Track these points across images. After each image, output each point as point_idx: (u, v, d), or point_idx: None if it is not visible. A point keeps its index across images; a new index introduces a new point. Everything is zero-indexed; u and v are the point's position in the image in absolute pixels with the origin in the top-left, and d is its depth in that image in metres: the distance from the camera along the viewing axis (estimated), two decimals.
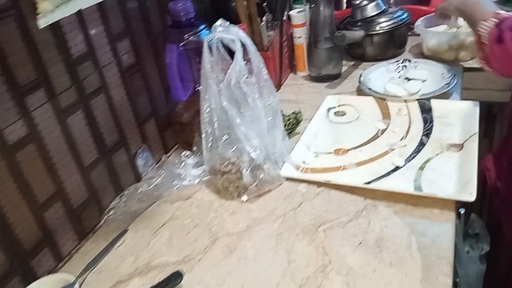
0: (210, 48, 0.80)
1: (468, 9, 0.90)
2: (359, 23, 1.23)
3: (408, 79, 1.11)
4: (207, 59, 0.79)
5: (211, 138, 0.81)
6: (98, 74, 0.77)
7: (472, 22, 0.89)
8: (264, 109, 0.82)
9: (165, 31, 0.90)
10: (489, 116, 1.27)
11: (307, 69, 1.23)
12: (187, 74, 0.90)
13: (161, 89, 0.93)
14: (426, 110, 0.96)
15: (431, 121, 0.93)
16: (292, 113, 0.98)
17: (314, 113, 1.01)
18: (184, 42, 0.87)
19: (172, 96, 0.92)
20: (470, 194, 0.68)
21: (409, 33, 1.30)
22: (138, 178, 0.88)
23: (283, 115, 0.98)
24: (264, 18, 1.15)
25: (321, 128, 0.97)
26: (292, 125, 0.96)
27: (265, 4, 1.13)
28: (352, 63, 1.28)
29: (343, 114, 1.02)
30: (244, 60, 0.82)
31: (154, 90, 0.92)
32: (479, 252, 0.99)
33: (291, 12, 1.18)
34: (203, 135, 0.81)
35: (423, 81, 1.08)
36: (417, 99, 0.97)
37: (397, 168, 0.81)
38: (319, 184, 0.78)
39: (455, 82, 1.00)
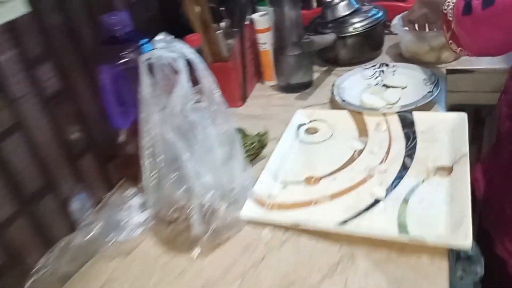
0: (150, 68, 0.67)
1: None
2: (330, 24, 1.11)
3: (387, 87, 0.99)
4: (145, 81, 0.66)
5: (156, 177, 0.68)
6: (10, 109, 0.63)
7: (436, 6, 0.83)
8: (218, 138, 0.69)
9: (98, 49, 0.76)
10: (477, 120, 1.17)
11: (275, 78, 1.10)
12: (128, 97, 0.76)
13: (99, 117, 0.79)
14: (407, 125, 0.84)
15: (414, 137, 0.81)
16: (256, 134, 0.85)
17: (283, 130, 0.88)
18: (120, 61, 0.73)
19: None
20: (465, 238, 0.56)
21: (386, 32, 1.18)
22: (73, 227, 0.74)
23: (246, 135, 0.86)
24: (222, 25, 1.02)
25: (290, 150, 0.84)
26: (256, 149, 0.83)
27: (222, 8, 0.99)
28: (325, 68, 1.16)
29: (315, 131, 0.90)
30: (194, 81, 0.70)
31: (90, 118, 0.78)
32: (473, 277, 0.88)
33: (253, 16, 1.05)
34: (145, 173, 0.68)
35: (403, 88, 0.97)
36: (397, 112, 0.85)
37: (377, 201, 0.69)
38: (286, 228, 0.66)
39: (438, 90, 0.89)
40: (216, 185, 0.66)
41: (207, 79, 0.69)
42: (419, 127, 0.83)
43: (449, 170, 0.71)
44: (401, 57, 1.11)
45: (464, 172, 0.68)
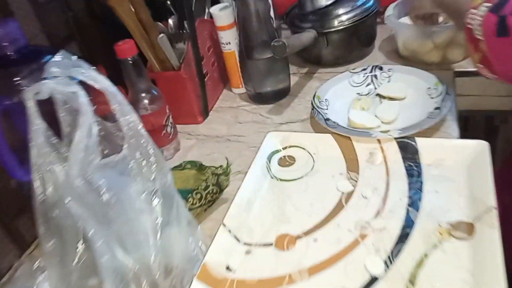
0: (46, 105, 0.46)
1: None
2: (310, 16, 0.89)
3: (381, 97, 0.79)
4: (35, 125, 0.45)
5: (58, 259, 0.48)
6: None
7: (457, 14, 0.63)
8: (147, 201, 0.49)
9: None
10: (489, 128, 0.97)
11: (243, 85, 0.89)
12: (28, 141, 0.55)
13: None
14: (410, 155, 0.64)
15: (419, 174, 0.61)
16: (213, 173, 0.64)
17: (251, 157, 0.68)
18: (11, 91, 0.52)
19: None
20: None
21: (378, 20, 0.97)
22: None
23: (202, 169, 0.66)
24: (170, 22, 0.80)
25: (259, 192, 0.65)
26: (212, 195, 0.63)
27: (167, 1, 0.77)
28: (305, 70, 0.95)
29: (290, 163, 0.70)
30: (115, 118, 0.49)
31: None
32: None
33: (212, 10, 0.83)
34: (44, 252, 0.48)
35: (401, 99, 0.77)
36: (396, 138, 0.66)
37: (374, 279, 0.50)
38: None
39: (449, 105, 0.69)
40: (142, 271, 0.46)
41: (129, 115, 0.48)
42: (425, 159, 0.63)
43: (470, 228, 0.52)
44: (397, 56, 0.90)
45: (491, 238, 0.49)
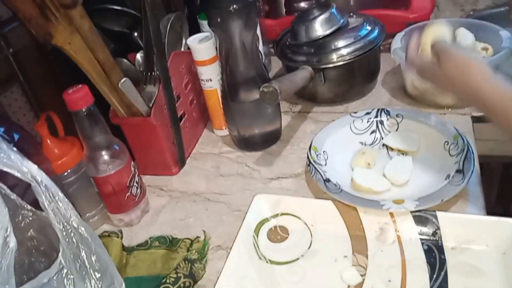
0: None
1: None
2: (304, 48, 0.77)
3: (388, 148, 0.67)
4: None
5: None
6: None
7: (471, 99, 0.50)
8: None
9: None
10: (505, 176, 0.86)
11: (226, 127, 0.77)
12: None
13: None
14: (429, 234, 0.52)
15: (443, 264, 0.49)
16: (186, 259, 0.51)
17: (235, 227, 0.56)
18: None
19: None
20: None
21: (381, 48, 0.85)
22: None
23: (173, 248, 0.54)
24: (138, 57, 0.67)
25: (243, 283, 0.52)
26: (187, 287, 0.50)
27: (133, 33, 0.64)
28: (298, 108, 0.82)
29: (283, 237, 0.57)
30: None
31: None
32: None
33: (189, 42, 0.70)
34: None
35: (413, 153, 0.65)
36: (412, 212, 0.54)
37: None
38: None
39: (472, 167, 0.57)
40: None
41: (68, 215, 0.35)
42: (448, 241, 0.51)
43: None
44: (404, 93, 0.79)
45: None
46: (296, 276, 0.52)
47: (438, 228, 0.52)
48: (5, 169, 0.33)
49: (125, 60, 0.65)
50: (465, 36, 0.74)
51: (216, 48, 0.70)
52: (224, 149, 0.77)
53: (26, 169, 0.34)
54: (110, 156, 0.59)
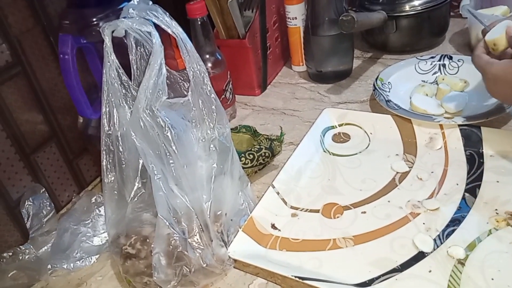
0: (120, 43, 0.49)
1: None
2: (381, 0, 0.87)
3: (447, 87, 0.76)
4: (108, 61, 0.48)
5: (116, 191, 0.50)
6: None
7: None
8: (204, 148, 0.50)
9: (62, 12, 0.58)
10: None
11: (304, 63, 0.89)
12: (99, 79, 0.58)
13: (64, 102, 0.62)
14: (473, 144, 0.62)
15: (481, 164, 0.59)
16: (267, 138, 0.65)
17: (305, 132, 0.68)
18: (87, 31, 0.55)
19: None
20: None
21: (452, 14, 0.93)
22: (26, 235, 0.59)
23: (257, 136, 0.67)
24: None
25: (310, 163, 0.65)
26: (264, 158, 0.63)
27: None
28: (369, 54, 0.93)
29: (345, 140, 0.69)
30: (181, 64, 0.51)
31: (51, 103, 0.61)
32: None
33: None
34: (104, 183, 0.50)
35: (468, 91, 0.74)
36: (460, 125, 0.63)
37: (421, 255, 0.48)
38: (285, 279, 0.47)
39: None
40: (195, 211, 0.48)
41: (196, 64, 0.50)
42: (488, 150, 0.60)
43: None
44: (469, 50, 0.87)
45: None
46: (354, 164, 0.64)
47: (481, 140, 0.61)
48: (163, 26, 0.48)
49: None
50: None
51: None
52: (300, 81, 0.89)
53: (173, 26, 0.49)
54: (213, 63, 0.74)
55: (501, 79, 0.53)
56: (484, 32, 0.58)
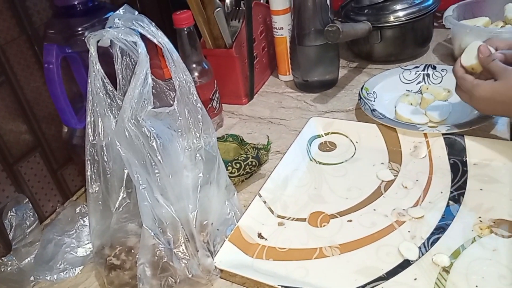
0: (106, 53, 0.49)
1: None
2: (365, 10, 0.89)
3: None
4: (93, 71, 0.47)
5: (101, 202, 0.50)
6: None
7: None
8: (190, 157, 0.50)
9: (48, 22, 0.58)
10: None
11: (291, 72, 0.90)
12: (84, 89, 0.58)
13: (49, 111, 0.62)
14: (456, 153, 0.63)
15: (464, 172, 0.60)
16: (254, 147, 0.65)
17: (291, 141, 0.68)
18: (72, 40, 0.55)
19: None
20: None
21: (436, 24, 0.95)
22: (9, 246, 0.58)
23: (243, 145, 0.67)
24: (227, 0, 0.82)
25: (296, 173, 0.65)
26: (251, 167, 0.63)
27: None
28: (355, 64, 0.94)
29: (331, 148, 0.70)
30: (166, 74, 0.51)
31: (38, 110, 0.61)
32: None
33: None
34: (89, 193, 0.50)
35: (450, 98, 0.75)
36: (443, 134, 0.64)
37: (406, 263, 0.49)
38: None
39: None
40: (181, 221, 0.47)
41: (182, 74, 0.50)
42: (472, 159, 0.61)
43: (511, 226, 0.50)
44: (452, 60, 0.88)
45: None
46: (340, 172, 0.64)
47: (464, 148, 0.62)
48: (149, 36, 0.48)
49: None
50: None
51: (291, 0, 0.84)
52: (286, 90, 0.90)
53: (159, 36, 0.49)
54: (200, 72, 0.74)
55: (490, 99, 0.55)
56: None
